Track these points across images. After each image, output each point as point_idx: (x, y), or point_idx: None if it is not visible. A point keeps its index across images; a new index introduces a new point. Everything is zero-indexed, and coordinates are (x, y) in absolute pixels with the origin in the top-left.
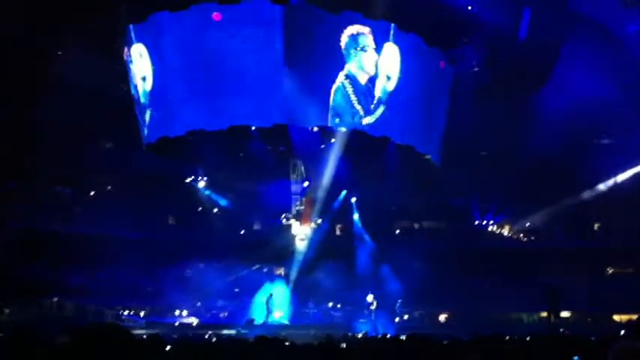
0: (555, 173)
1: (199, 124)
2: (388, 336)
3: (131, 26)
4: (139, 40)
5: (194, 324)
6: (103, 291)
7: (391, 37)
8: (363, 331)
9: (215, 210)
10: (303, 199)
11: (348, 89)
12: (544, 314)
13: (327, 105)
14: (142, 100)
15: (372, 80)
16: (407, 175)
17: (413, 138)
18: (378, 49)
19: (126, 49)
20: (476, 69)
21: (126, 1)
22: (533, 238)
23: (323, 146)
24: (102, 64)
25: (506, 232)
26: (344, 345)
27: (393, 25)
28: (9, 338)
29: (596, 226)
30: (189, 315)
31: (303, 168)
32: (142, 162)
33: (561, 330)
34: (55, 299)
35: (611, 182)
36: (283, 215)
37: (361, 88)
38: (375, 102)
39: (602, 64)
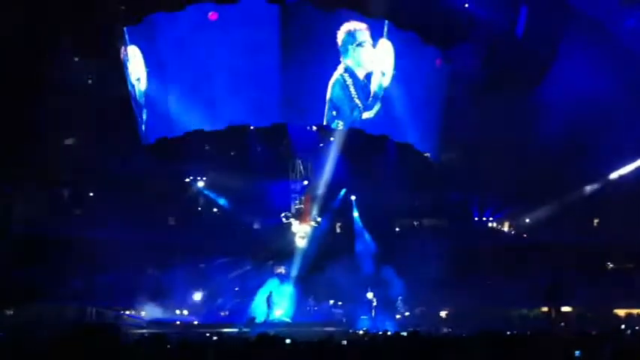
0: (554, 169)
1: (197, 124)
2: (389, 333)
3: (126, 29)
4: (132, 43)
5: (195, 323)
6: (104, 292)
7: (385, 33)
8: (364, 329)
9: (214, 210)
10: (303, 198)
11: (347, 81)
12: (545, 310)
13: (324, 100)
14: (139, 99)
15: (369, 76)
16: (406, 173)
17: (411, 136)
18: (375, 45)
19: (122, 49)
20: (477, 65)
21: (122, 2)
22: (533, 234)
23: (322, 145)
24: (100, 65)
25: (506, 228)
26: (344, 342)
27: (386, 21)
28: (8, 339)
29: (595, 221)
30: (190, 314)
31: (302, 167)
32: (140, 163)
33: (562, 324)
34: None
35: (610, 178)
36: (283, 214)
37: (359, 82)
38: (371, 97)
39: (601, 60)
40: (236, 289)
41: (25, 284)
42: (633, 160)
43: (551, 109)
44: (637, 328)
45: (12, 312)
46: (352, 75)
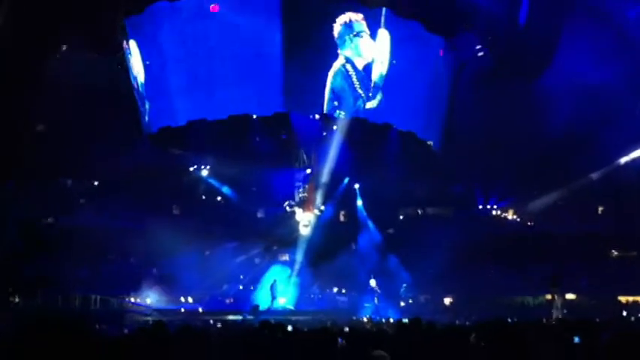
0: (558, 158)
1: (200, 113)
2: (391, 320)
3: (126, 21)
4: (132, 36)
5: (200, 310)
6: (109, 281)
7: (382, 23)
8: (367, 316)
9: (218, 199)
10: (306, 187)
11: (350, 72)
12: (548, 297)
13: (326, 90)
14: (141, 90)
15: (369, 66)
16: (410, 162)
17: (414, 125)
18: (373, 35)
19: (125, 41)
20: (479, 54)
21: None
22: (536, 222)
23: (325, 134)
24: (102, 57)
25: (509, 217)
26: (347, 329)
27: (384, 10)
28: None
29: (599, 209)
30: (194, 302)
31: (305, 156)
32: (144, 152)
33: (564, 312)
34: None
35: (614, 166)
36: (286, 203)
37: (360, 73)
38: (372, 87)
39: (604, 49)
40: (241, 277)
41: (30, 274)
42: (637, 148)
43: (554, 98)
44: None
45: (17, 301)
46: (353, 66)
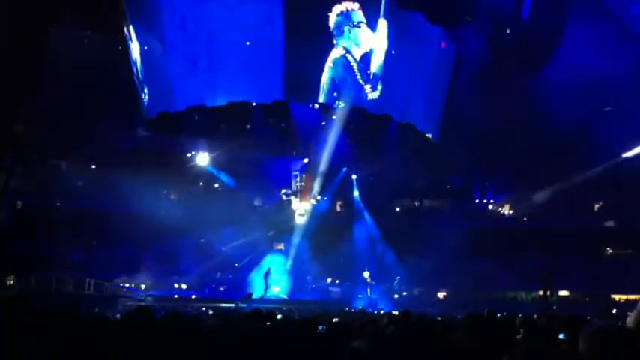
0: (556, 153)
1: (199, 99)
2: (382, 311)
3: (126, 6)
4: (132, 22)
5: (193, 297)
6: (103, 265)
7: (382, 12)
8: (360, 307)
9: (216, 185)
10: (303, 176)
11: (352, 63)
12: (541, 293)
13: (325, 80)
14: (141, 76)
15: (367, 57)
16: (408, 154)
17: (413, 116)
18: (372, 25)
19: (125, 27)
20: (480, 46)
21: None
22: (532, 218)
23: (323, 123)
24: (102, 41)
25: (505, 211)
26: (336, 319)
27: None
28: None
29: (596, 206)
30: (188, 288)
31: (303, 145)
32: (142, 136)
33: (554, 308)
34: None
35: (612, 162)
36: (283, 191)
37: (359, 63)
38: (372, 78)
39: (605, 43)
40: (235, 264)
41: (26, 255)
42: (635, 144)
43: (554, 91)
44: (628, 313)
45: (12, 282)
46: (353, 57)
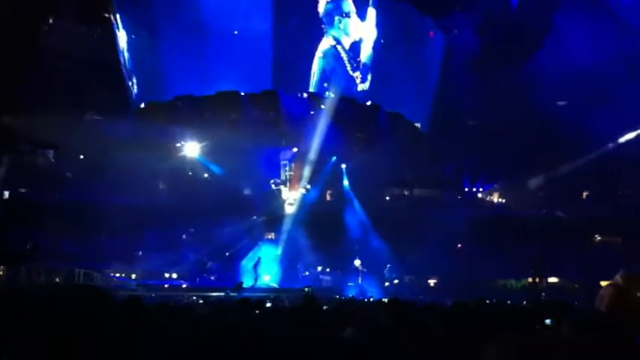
0: (545, 142)
1: (187, 89)
2: (372, 299)
3: None
4: (119, 10)
5: (183, 286)
6: (93, 255)
7: (370, 1)
8: (351, 295)
9: (205, 175)
10: (293, 165)
11: (342, 54)
12: (531, 280)
13: (315, 70)
14: (128, 65)
15: (356, 46)
16: (398, 143)
17: (402, 106)
18: (362, 14)
19: (112, 16)
20: (470, 36)
21: None
22: (522, 206)
23: (312, 112)
24: (90, 30)
25: (495, 199)
26: (325, 307)
27: None
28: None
29: (584, 194)
30: (178, 278)
31: (292, 134)
32: (131, 127)
33: (543, 295)
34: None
35: (601, 151)
36: (272, 181)
37: (349, 53)
38: (361, 67)
39: (597, 31)
40: (226, 254)
41: (16, 246)
42: (624, 133)
43: (545, 80)
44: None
45: (1, 272)
46: (343, 47)
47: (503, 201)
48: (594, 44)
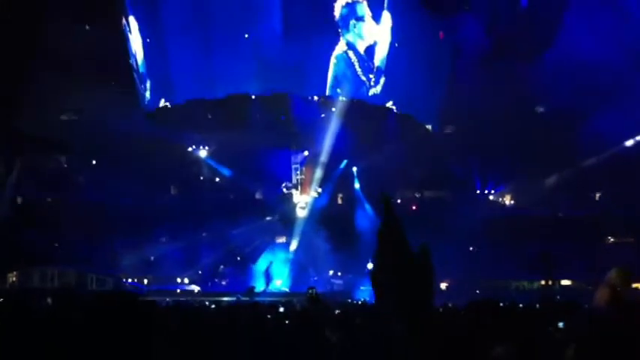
0: (556, 141)
1: (199, 93)
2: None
3: None
4: (132, 13)
5: (195, 291)
6: (105, 260)
7: (386, 4)
8: (363, 299)
9: (216, 179)
10: (304, 169)
11: (352, 59)
12: (543, 282)
13: (326, 75)
14: (141, 69)
15: (371, 49)
16: (408, 145)
17: (413, 108)
18: (376, 17)
19: (124, 19)
20: (478, 35)
21: None
22: (534, 207)
23: (323, 115)
24: (100, 34)
25: (507, 201)
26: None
27: None
28: (9, 304)
29: (597, 195)
30: (190, 283)
31: (303, 137)
32: (143, 131)
33: (557, 297)
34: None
35: (611, 151)
36: (284, 184)
37: (362, 57)
38: (375, 71)
39: (605, 29)
40: (237, 258)
41: (27, 249)
42: (634, 133)
43: (554, 79)
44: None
45: (14, 277)
46: (356, 52)
47: (515, 202)
48: (607, 41)
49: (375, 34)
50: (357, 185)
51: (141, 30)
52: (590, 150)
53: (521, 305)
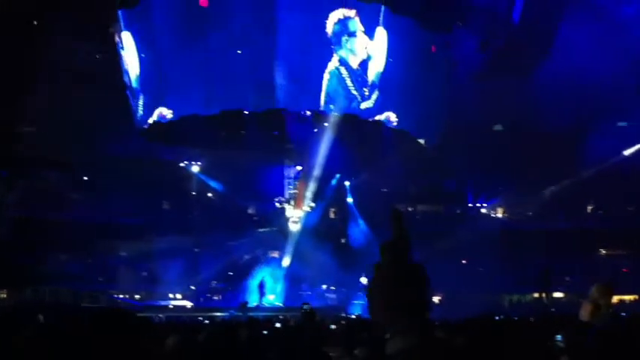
0: (549, 155)
1: (192, 109)
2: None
3: (120, 12)
4: (126, 28)
5: (188, 307)
6: (97, 276)
7: (381, 20)
8: (357, 314)
9: (209, 194)
10: (297, 183)
11: (343, 74)
12: (537, 295)
13: (319, 90)
14: (134, 85)
15: (364, 64)
16: (401, 159)
17: (407, 123)
18: (370, 32)
19: (117, 35)
20: (472, 51)
21: None
22: (526, 220)
23: (316, 130)
24: (94, 50)
25: (500, 214)
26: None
27: (383, 7)
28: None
29: (589, 208)
30: (183, 298)
31: (296, 152)
32: (135, 147)
33: (552, 310)
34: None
35: (605, 164)
36: (277, 199)
37: (355, 72)
38: (369, 87)
39: (600, 44)
40: (230, 273)
41: (21, 267)
42: (628, 146)
43: (549, 94)
44: (622, 314)
45: (5, 295)
46: (348, 67)
47: (508, 215)
48: (599, 55)
49: (369, 49)
50: (350, 199)
51: (137, 45)
52: (582, 163)
53: (516, 318)
